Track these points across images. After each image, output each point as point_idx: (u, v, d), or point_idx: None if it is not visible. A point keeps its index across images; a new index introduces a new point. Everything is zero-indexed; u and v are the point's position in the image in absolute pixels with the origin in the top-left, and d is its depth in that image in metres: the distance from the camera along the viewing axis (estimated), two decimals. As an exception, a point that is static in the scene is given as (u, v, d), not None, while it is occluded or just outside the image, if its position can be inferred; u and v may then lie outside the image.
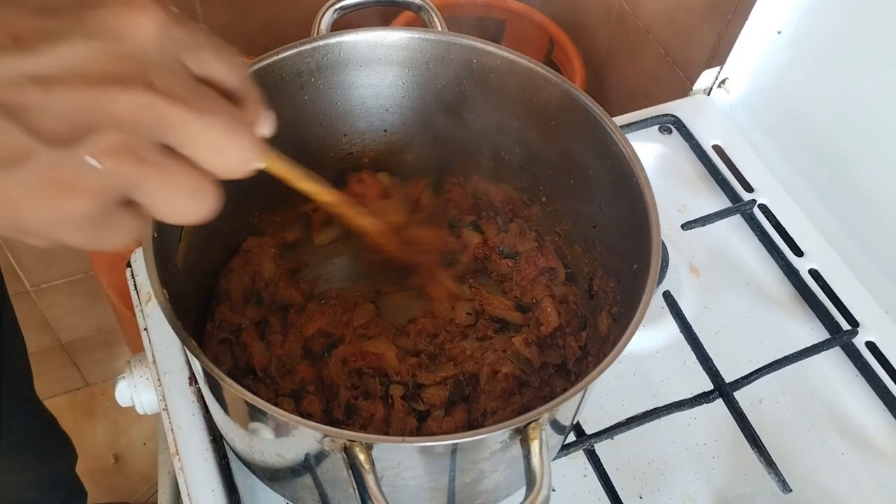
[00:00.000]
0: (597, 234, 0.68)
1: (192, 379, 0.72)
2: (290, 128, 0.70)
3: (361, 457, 0.46)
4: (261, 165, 0.41)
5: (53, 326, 1.64)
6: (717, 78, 0.96)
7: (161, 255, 0.55)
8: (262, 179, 0.67)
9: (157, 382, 0.73)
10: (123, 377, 0.76)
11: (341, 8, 0.68)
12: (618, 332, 0.54)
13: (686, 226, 0.85)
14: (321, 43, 0.65)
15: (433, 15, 0.68)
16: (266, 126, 0.41)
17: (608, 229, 0.66)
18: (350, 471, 0.47)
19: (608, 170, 0.63)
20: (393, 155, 0.77)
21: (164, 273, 0.54)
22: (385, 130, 0.75)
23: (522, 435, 0.49)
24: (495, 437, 0.49)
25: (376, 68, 0.68)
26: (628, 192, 0.60)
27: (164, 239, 0.57)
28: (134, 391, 0.76)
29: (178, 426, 0.70)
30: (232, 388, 0.48)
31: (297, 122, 0.70)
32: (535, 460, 0.48)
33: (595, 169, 0.65)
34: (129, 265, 0.80)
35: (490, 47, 0.66)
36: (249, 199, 0.72)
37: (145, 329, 0.76)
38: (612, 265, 0.66)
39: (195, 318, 0.69)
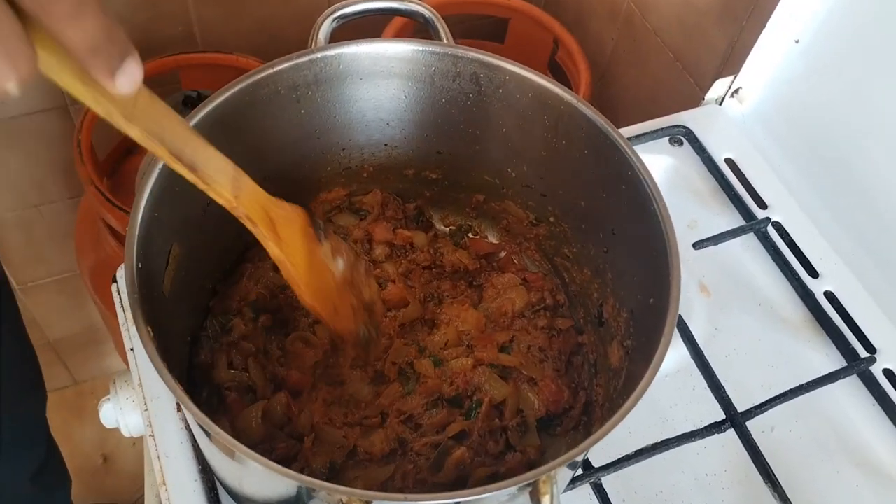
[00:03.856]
0: (608, 260, 0.65)
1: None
2: (285, 142, 0.67)
3: (360, 514, 0.43)
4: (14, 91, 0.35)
5: (41, 324, 1.60)
6: (730, 87, 0.93)
7: (146, 287, 0.51)
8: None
9: (143, 406, 0.70)
10: (108, 399, 0.73)
11: (341, 16, 0.64)
12: (632, 373, 0.51)
13: (698, 245, 0.81)
14: (319, 55, 0.61)
15: (440, 26, 0.64)
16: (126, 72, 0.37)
17: (621, 256, 0.63)
18: (347, 528, 0.43)
19: (622, 194, 0.60)
20: (394, 170, 0.73)
21: (148, 305, 0.51)
22: (386, 144, 0.71)
23: (533, 489, 0.45)
24: (502, 494, 0.46)
25: (377, 81, 0.65)
26: (643, 220, 0.57)
27: (150, 267, 0.53)
28: (119, 414, 0.73)
29: (164, 454, 0.67)
30: (222, 440, 0.44)
31: (293, 136, 0.67)
32: (546, 517, 0.45)
33: (608, 191, 0.62)
34: (114, 280, 0.76)
35: (499, 62, 0.62)
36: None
37: (132, 349, 0.72)
38: (624, 294, 0.63)
39: (189, 336, 0.66)
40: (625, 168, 0.58)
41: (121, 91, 0.37)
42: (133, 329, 0.72)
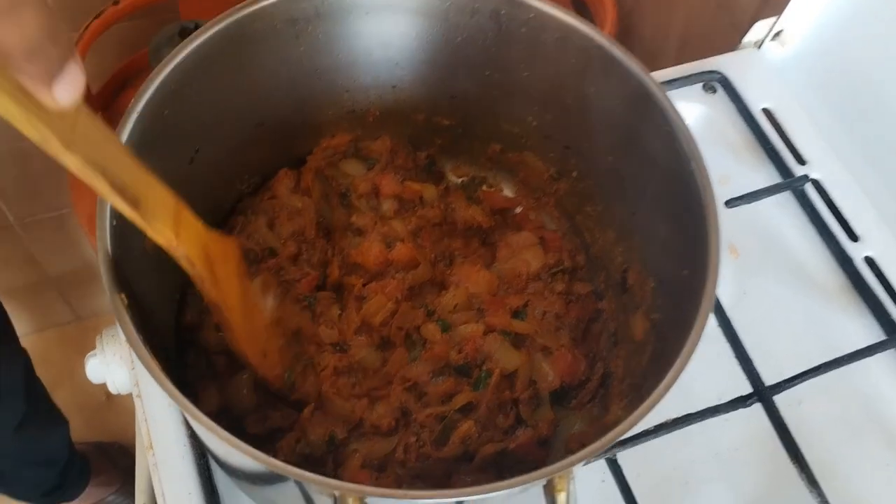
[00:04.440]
0: (636, 222, 0.59)
1: (170, 364, 0.64)
2: (283, 82, 0.61)
3: (354, 509, 0.39)
4: None
5: (40, 261, 1.57)
6: (771, 29, 0.85)
7: (123, 245, 0.46)
8: (258, 137, 0.58)
9: (130, 365, 0.65)
10: (94, 354, 0.69)
11: (346, -58, 0.57)
12: (659, 352, 0.45)
13: (731, 203, 0.75)
14: (320, -15, 0.55)
15: (456, -45, 0.57)
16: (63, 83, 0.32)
17: (650, 219, 0.57)
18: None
19: (656, 151, 0.54)
20: (402, 114, 0.67)
21: (126, 265, 0.46)
22: (394, 86, 0.65)
23: (548, 485, 0.41)
24: (514, 491, 0.41)
25: (385, 16, 0.59)
26: (679, 182, 0.51)
27: (129, 222, 0.48)
28: (106, 370, 0.69)
29: (152, 417, 0.63)
30: (208, 427, 0.40)
31: (291, 75, 0.61)
32: (561, 515, 0.40)
33: (640, 147, 0.56)
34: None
35: (523, -3, 0.55)
36: (238, 160, 0.63)
37: (118, 302, 0.67)
38: (652, 262, 0.57)
39: (178, 293, 0.61)
40: (661, 122, 0.52)
41: (60, 102, 0.32)
42: (119, 282, 0.68)
